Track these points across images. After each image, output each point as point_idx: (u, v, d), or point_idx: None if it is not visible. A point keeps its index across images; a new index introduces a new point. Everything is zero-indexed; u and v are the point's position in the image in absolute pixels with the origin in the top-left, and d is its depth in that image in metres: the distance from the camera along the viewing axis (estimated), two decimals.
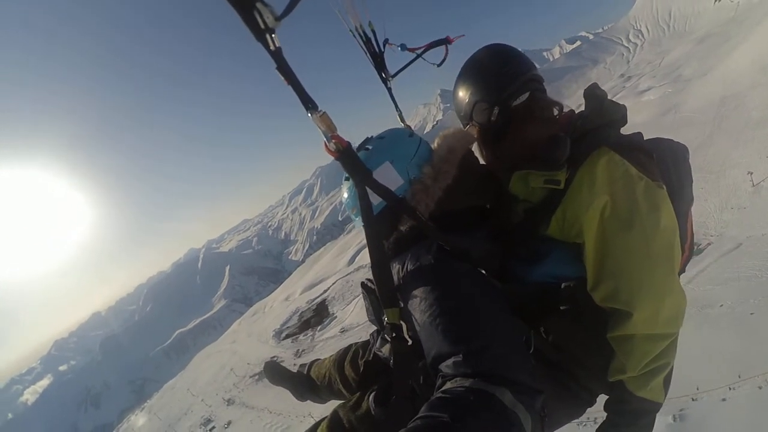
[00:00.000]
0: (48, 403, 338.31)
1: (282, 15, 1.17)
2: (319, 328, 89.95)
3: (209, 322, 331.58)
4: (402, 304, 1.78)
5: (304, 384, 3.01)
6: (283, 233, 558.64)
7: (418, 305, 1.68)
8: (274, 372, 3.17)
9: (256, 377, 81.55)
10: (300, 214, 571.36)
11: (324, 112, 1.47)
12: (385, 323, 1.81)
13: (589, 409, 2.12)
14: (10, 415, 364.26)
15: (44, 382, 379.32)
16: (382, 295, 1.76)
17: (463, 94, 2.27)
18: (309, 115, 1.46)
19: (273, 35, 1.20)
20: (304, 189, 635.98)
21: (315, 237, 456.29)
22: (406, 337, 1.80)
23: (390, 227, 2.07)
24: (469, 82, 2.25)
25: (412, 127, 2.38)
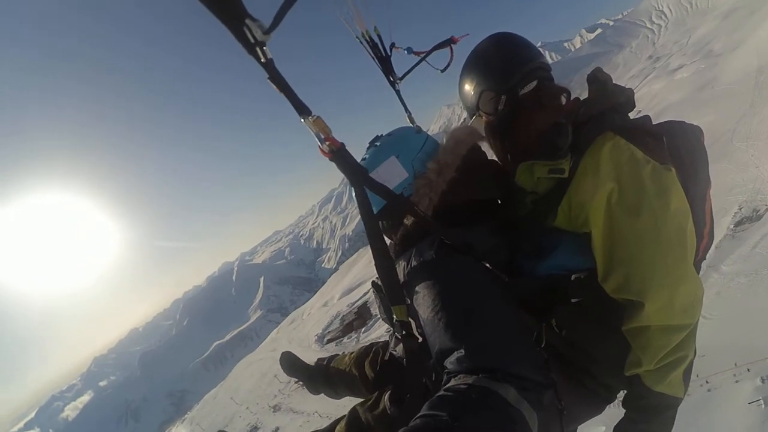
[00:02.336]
0: (88, 418, 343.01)
1: (270, 29, 1.20)
2: (363, 330, 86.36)
3: (246, 333, 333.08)
4: (408, 301, 1.79)
5: (319, 378, 3.05)
6: (315, 242, 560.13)
7: (422, 301, 1.69)
8: (290, 363, 3.21)
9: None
10: (331, 222, 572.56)
11: (318, 117, 1.49)
12: (394, 321, 1.82)
13: None
14: (51, 431, 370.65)
15: (84, 398, 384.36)
16: (388, 293, 1.77)
17: (469, 84, 2.26)
18: (302, 120, 1.49)
19: (264, 48, 1.23)
20: (334, 197, 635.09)
21: (347, 244, 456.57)
22: (416, 334, 1.81)
23: (395, 223, 2.10)
24: (475, 71, 2.23)
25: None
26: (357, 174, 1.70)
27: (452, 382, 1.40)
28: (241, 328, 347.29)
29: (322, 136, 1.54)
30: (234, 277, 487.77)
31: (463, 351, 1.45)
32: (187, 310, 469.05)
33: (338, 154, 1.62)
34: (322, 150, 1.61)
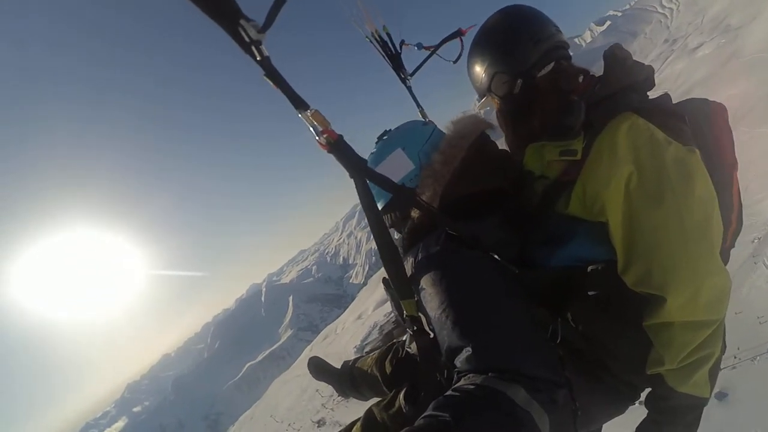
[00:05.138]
0: None
1: (264, 28, 1.22)
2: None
3: (278, 352, 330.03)
4: (417, 296, 1.75)
5: (346, 380, 3.17)
6: (341, 258, 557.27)
7: (429, 298, 1.66)
8: (318, 367, 3.37)
9: None
10: (356, 238, 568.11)
11: (316, 111, 1.48)
12: (405, 316, 1.80)
13: None
14: None
15: (119, 424, 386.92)
16: (395, 287, 1.74)
17: (480, 64, 2.14)
18: (299, 114, 1.48)
19: (260, 46, 1.25)
20: (357, 212, 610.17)
21: (374, 258, 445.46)
22: (427, 329, 1.78)
23: (402, 217, 2.08)
24: (488, 51, 2.10)
25: None
26: (356, 166, 1.65)
27: (461, 382, 1.39)
28: (273, 348, 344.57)
29: (320, 129, 1.52)
30: (263, 298, 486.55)
31: (471, 349, 1.42)
32: (218, 333, 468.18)
33: (336, 146, 1.57)
34: (319, 143, 1.58)
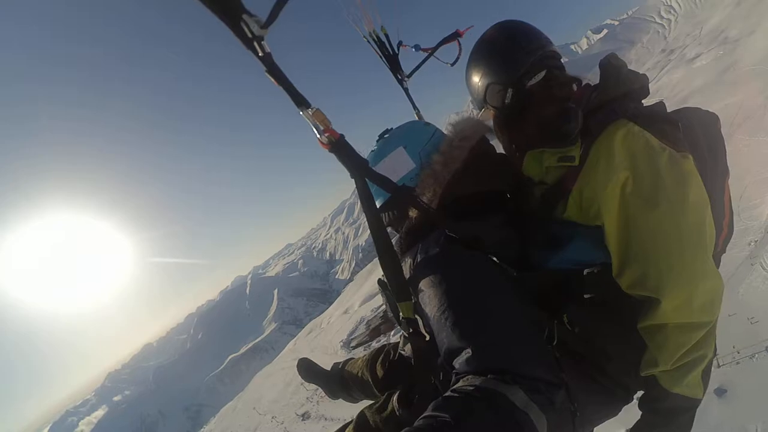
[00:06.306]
0: None
1: (267, 23, 1.21)
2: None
3: (261, 345, 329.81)
4: (415, 298, 1.76)
5: (336, 382, 3.09)
6: (327, 253, 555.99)
7: (428, 299, 1.66)
8: (307, 369, 3.27)
9: None
10: (343, 233, 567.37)
11: (317, 109, 1.48)
12: (401, 318, 1.79)
13: None
14: None
15: (99, 413, 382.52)
16: (392, 288, 1.73)
17: (475, 76, 2.20)
18: (300, 113, 1.48)
19: (262, 42, 1.25)
20: (345, 208, 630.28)
21: (361, 254, 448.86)
22: (424, 332, 1.77)
23: (400, 216, 2.09)
24: (481, 63, 2.16)
25: None
26: (357, 165, 1.67)
27: (459, 383, 1.39)
28: (256, 341, 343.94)
29: (321, 128, 1.52)
30: (247, 291, 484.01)
31: (470, 351, 1.43)
32: (202, 324, 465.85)
33: (337, 146, 1.59)
34: (321, 142, 1.59)
